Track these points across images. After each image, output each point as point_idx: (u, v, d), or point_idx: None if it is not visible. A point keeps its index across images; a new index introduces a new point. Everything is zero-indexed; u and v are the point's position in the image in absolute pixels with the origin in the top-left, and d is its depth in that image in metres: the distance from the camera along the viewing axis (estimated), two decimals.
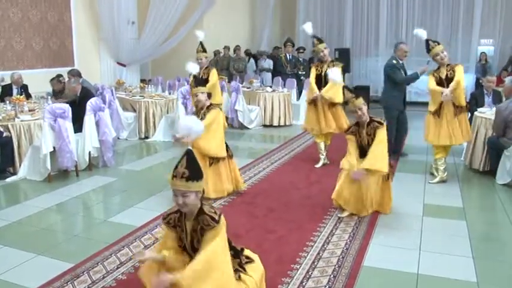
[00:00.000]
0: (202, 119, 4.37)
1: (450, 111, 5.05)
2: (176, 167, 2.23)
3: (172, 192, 2.27)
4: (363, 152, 4.18)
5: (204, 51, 6.55)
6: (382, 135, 4.07)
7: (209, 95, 4.64)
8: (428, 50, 5.09)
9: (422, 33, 5.17)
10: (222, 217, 2.31)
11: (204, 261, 2.19)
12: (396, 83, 6.11)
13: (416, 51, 11.95)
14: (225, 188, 4.73)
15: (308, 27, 6.06)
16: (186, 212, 2.30)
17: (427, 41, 5.09)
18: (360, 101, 4.07)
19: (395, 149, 6.24)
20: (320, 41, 5.91)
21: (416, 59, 11.42)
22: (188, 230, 2.33)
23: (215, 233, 2.25)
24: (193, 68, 5.05)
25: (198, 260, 2.19)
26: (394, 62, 6.12)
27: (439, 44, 5.06)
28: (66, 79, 7.63)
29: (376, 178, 4.12)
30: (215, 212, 2.30)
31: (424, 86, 5.39)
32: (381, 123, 4.10)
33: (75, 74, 7.29)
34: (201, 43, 6.53)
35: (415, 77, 5.98)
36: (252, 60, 12.53)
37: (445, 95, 4.85)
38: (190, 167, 2.21)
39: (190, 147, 2.34)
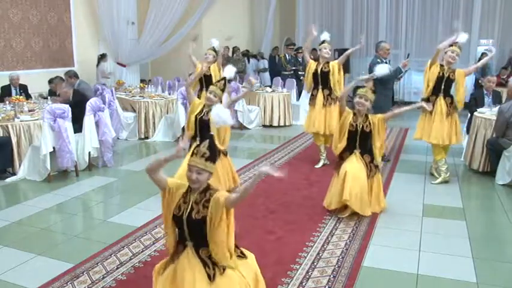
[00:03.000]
0: (204, 114, 4.38)
1: (443, 110, 5.08)
2: (198, 146, 2.44)
3: (188, 168, 2.40)
4: (353, 142, 4.23)
5: (214, 51, 6.77)
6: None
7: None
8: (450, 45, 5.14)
9: (463, 38, 5.13)
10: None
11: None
12: (383, 82, 6.09)
13: (416, 52, 12.01)
14: (221, 185, 4.70)
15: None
16: (194, 187, 2.44)
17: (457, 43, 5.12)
18: (371, 96, 4.14)
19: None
20: (328, 43, 6.06)
21: (416, 59, 11.45)
22: (191, 201, 2.43)
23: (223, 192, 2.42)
24: (229, 72, 4.91)
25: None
26: (378, 60, 6.16)
27: (460, 48, 5.09)
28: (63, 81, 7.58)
29: (366, 174, 4.17)
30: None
31: (422, 86, 5.41)
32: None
33: (73, 75, 7.18)
34: (213, 49, 6.72)
35: (398, 71, 6.07)
36: (252, 60, 12.51)
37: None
38: (211, 150, 2.41)
39: (212, 133, 2.60)
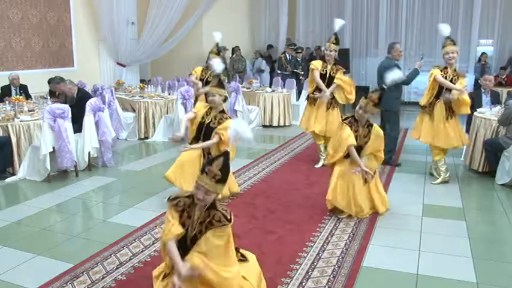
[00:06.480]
0: (211, 121, 4.37)
1: (442, 114, 5.07)
2: (210, 163, 2.28)
3: (196, 186, 2.31)
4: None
5: (218, 54, 6.52)
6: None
7: (225, 99, 4.59)
8: (442, 46, 5.10)
9: (445, 30, 5.05)
10: (233, 216, 2.39)
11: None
12: (398, 84, 5.97)
13: (416, 52, 12.00)
14: (225, 191, 4.69)
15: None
16: (200, 204, 2.35)
17: (447, 37, 5.03)
18: (374, 110, 4.06)
19: (391, 156, 6.10)
20: (338, 41, 5.90)
21: (416, 59, 11.44)
22: (196, 220, 2.35)
23: (227, 232, 2.33)
24: (218, 65, 4.73)
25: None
26: (394, 62, 6.00)
27: (454, 44, 5.02)
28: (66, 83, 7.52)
29: (361, 176, 4.16)
30: (226, 210, 2.38)
31: (422, 86, 5.38)
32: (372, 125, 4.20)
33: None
34: (217, 44, 6.49)
35: (416, 74, 5.88)
36: (259, 59, 12.51)
37: (457, 93, 4.86)
38: (223, 171, 2.28)
39: (228, 149, 2.47)
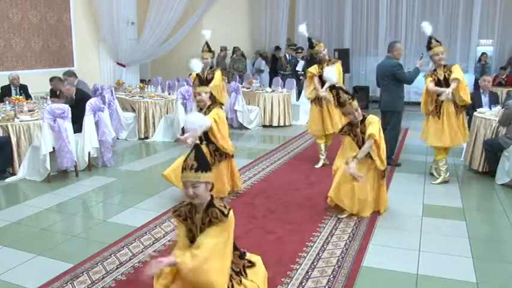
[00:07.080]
0: None
1: (452, 111, 5.06)
2: (185, 160, 2.35)
3: (183, 185, 2.35)
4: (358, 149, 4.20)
5: (210, 51, 6.52)
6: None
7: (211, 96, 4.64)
8: (429, 47, 5.07)
9: (427, 28, 5.07)
10: (231, 212, 2.37)
11: (205, 254, 2.25)
12: (400, 83, 5.91)
13: (415, 51, 12.00)
14: (225, 188, 4.74)
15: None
16: (196, 203, 2.36)
17: (430, 37, 5.04)
18: (356, 103, 4.07)
19: (391, 155, 6.07)
20: (319, 41, 5.95)
21: (416, 59, 11.43)
22: (198, 223, 2.36)
23: (222, 228, 2.31)
24: (196, 66, 4.92)
25: (200, 252, 2.25)
26: (396, 61, 5.94)
27: (441, 44, 5.02)
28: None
29: (371, 176, 4.17)
30: (225, 206, 2.37)
31: (423, 85, 5.35)
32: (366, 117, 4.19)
33: (71, 74, 7.17)
34: (206, 43, 6.48)
35: (417, 73, 5.81)
36: (259, 59, 12.51)
37: (446, 94, 4.82)
38: (199, 159, 2.32)
39: (198, 142, 2.53)
